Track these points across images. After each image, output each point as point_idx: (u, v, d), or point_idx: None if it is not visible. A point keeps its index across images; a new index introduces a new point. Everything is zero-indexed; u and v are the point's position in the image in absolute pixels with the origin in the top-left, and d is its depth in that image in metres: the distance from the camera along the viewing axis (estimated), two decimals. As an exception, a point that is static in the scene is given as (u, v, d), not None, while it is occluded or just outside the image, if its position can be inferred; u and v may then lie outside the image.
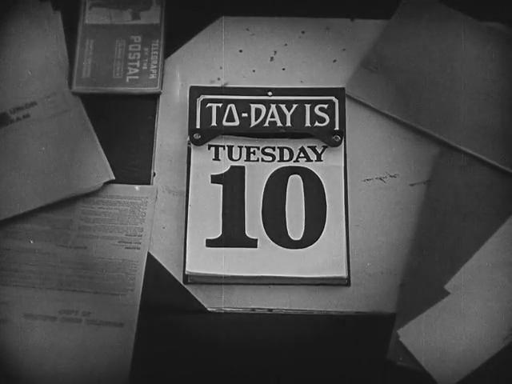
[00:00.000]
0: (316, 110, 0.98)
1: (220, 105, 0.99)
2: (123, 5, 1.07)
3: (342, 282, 0.92)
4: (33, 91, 1.03)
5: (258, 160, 0.97)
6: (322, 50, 1.05)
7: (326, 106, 0.99)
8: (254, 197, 0.95)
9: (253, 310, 0.92)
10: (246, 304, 0.92)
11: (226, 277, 0.92)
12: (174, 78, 1.03)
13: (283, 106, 0.99)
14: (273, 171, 0.96)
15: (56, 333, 0.91)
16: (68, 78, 1.03)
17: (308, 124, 0.98)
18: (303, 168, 0.96)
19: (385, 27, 1.05)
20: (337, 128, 0.98)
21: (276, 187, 0.95)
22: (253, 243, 0.93)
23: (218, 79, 1.03)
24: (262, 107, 0.99)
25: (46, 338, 0.91)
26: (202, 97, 0.99)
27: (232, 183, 0.95)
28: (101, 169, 0.98)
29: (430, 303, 0.90)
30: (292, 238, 0.93)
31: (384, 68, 1.02)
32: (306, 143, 0.97)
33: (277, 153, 0.97)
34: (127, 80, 1.03)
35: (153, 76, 1.03)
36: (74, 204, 0.97)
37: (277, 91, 1.00)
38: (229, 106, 0.99)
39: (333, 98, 0.99)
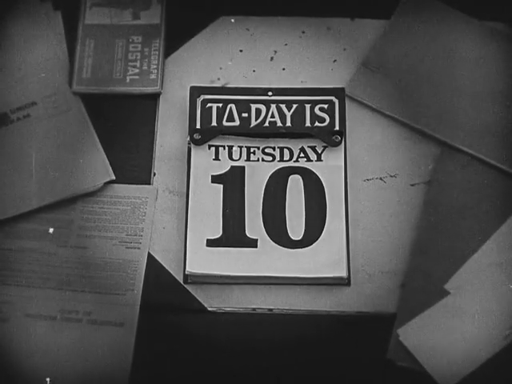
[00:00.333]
0: (316, 109, 0.98)
1: (220, 105, 0.99)
2: (123, 5, 1.07)
3: (342, 282, 0.92)
4: (33, 91, 1.03)
5: (258, 160, 0.97)
6: (322, 49, 1.05)
7: (326, 106, 0.99)
8: (254, 197, 0.95)
9: (253, 309, 0.92)
10: (247, 304, 0.92)
11: (226, 277, 0.92)
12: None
13: (283, 106, 0.99)
14: (273, 171, 0.96)
15: (56, 332, 0.91)
16: (68, 77, 1.03)
17: (308, 124, 0.98)
18: (303, 168, 0.96)
19: (385, 27, 1.05)
20: (337, 128, 0.98)
21: (276, 187, 0.95)
22: (253, 243, 0.93)
23: (218, 79, 1.03)
24: (262, 107, 0.99)
25: (47, 338, 0.91)
26: (202, 97, 0.99)
27: (232, 183, 0.95)
28: (101, 169, 0.98)
29: (430, 303, 0.90)
30: (292, 237, 0.93)
31: (384, 68, 1.02)
32: (306, 143, 0.97)
33: (277, 153, 0.97)
34: (127, 80, 1.03)
35: (153, 76, 1.03)
36: (74, 204, 0.97)
37: (277, 91, 1.00)
38: (229, 105, 0.99)
39: (333, 98, 0.99)
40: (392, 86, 1.01)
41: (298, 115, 0.98)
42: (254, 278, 0.92)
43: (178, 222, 0.95)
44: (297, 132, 0.97)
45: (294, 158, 0.96)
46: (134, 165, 1.00)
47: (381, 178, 0.98)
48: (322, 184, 0.95)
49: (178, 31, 1.06)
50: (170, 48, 1.05)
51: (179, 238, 0.94)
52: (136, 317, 0.91)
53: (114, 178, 0.98)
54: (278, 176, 0.96)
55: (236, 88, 1.01)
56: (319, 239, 0.93)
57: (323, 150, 0.97)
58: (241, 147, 0.97)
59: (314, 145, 0.97)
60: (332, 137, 0.97)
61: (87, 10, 1.07)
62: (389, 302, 0.92)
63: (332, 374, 0.90)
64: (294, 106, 0.99)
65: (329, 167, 0.96)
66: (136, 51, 1.04)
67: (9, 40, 1.06)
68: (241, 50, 1.05)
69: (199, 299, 0.92)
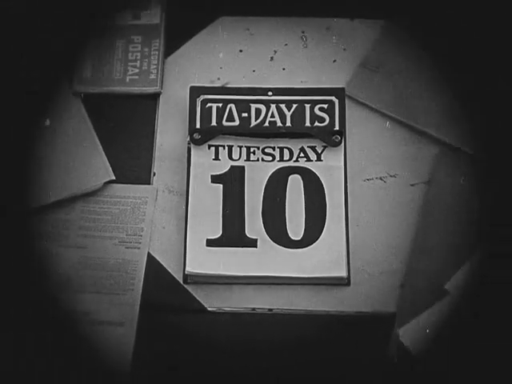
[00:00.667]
0: (316, 109, 0.98)
1: (220, 105, 0.99)
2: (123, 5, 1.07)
3: (342, 282, 0.92)
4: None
5: (258, 160, 0.97)
6: (322, 49, 1.05)
7: (325, 106, 0.99)
8: (254, 197, 0.95)
9: (253, 309, 0.92)
10: (246, 304, 0.92)
11: (226, 276, 0.92)
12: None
13: (283, 106, 0.99)
14: (273, 171, 0.96)
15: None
16: (68, 77, 1.03)
17: (308, 124, 0.98)
18: (303, 168, 0.96)
19: (385, 27, 1.05)
20: (337, 128, 0.98)
21: (276, 187, 0.95)
22: (253, 243, 0.93)
23: (218, 79, 1.03)
24: (262, 107, 0.99)
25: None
26: (202, 97, 0.99)
27: (232, 183, 0.95)
28: (101, 169, 0.98)
29: (430, 303, 0.90)
30: (292, 237, 0.93)
31: (383, 68, 1.02)
32: (306, 143, 0.97)
33: (277, 153, 0.97)
34: (127, 80, 1.03)
35: (153, 76, 1.03)
36: (74, 204, 0.97)
37: (277, 91, 1.00)
38: (229, 105, 0.99)
39: (333, 98, 0.99)
40: (392, 86, 1.01)
41: (298, 115, 0.98)
42: (253, 278, 0.92)
43: (178, 221, 0.96)
44: (297, 132, 0.97)
45: (294, 158, 0.97)
46: (133, 165, 1.00)
47: (380, 178, 0.98)
48: (321, 184, 0.95)
49: (178, 31, 1.06)
50: (170, 48, 1.05)
51: (179, 238, 0.94)
52: (136, 316, 0.91)
53: (113, 177, 0.98)
54: (278, 176, 0.96)
55: (236, 88, 1.01)
56: (319, 239, 0.93)
57: (323, 150, 0.97)
58: (241, 147, 0.97)
59: (313, 145, 0.97)
60: (332, 137, 0.97)
61: (87, 10, 1.07)
62: (388, 302, 0.92)
63: (332, 374, 0.90)
64: (294, 105, 0.99)
65: (329, 167, 0.96)
66: (136, 51, 1.04)
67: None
68: (241, 50, 1.05)
69: (199, 299, 0.92)
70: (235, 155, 0.97)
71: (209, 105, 0.99)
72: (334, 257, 0.92)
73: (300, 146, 0.97)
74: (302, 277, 0.92)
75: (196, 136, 0.97)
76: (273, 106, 0.99)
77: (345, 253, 0.92)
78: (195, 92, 1.00)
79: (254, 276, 0.92)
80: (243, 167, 0.96)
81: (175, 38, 1.06)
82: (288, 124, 0.98)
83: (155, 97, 1.03)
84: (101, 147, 0.99)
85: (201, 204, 0.95)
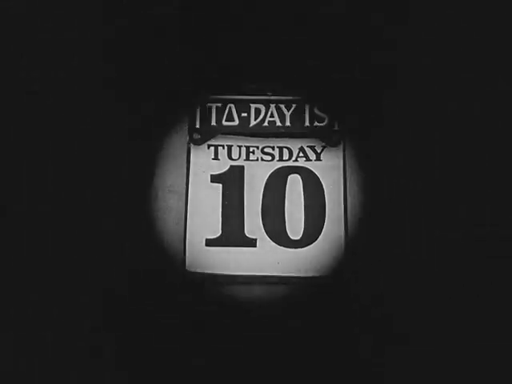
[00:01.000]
0: (315, 109, 0.98)
1: (220, 105, 0.99)
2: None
3: (340, 281, 0.92)
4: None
5: (257, 159, 0.97)
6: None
7: (325, 106, 0.98)
8: (253, 196, 0.95)
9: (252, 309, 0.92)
10: (246, 303, 0.92)
11: (225, 276, 0.92)
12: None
13: (283, 106, 0.99)
14: (272, 171, 0.96)
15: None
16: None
17: (307, 124, 0.98)
18: (302, 167, 0.96)
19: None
20: (336, 128, 0.98)
21: (275, 186, 0.95)
22: (252, 243, 0.93)
23: (218, 79, 1.03)
24: (262, 107, 0.99)
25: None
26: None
27: (231, 182, 0.96)
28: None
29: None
30: (291, 237, 0.93)
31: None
32: (305, 143, 0.97)
33: (276, 152, 0.97)
34: (127, 80, 1.03)
35: (152, 76, 1.03)
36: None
37: (277, 91, 1.00)
38: (228, 105, 0.99)
39: (332, 98, 0.99)
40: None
41: (298, 115, 0.98)
42: (253, 278, 0.92)
43: (178, 221, 0.96)
44: (296, 132, 0.97)
45: (294, 158, 0.97)
46: (134, 165, 1.00)
47: (380, 178, 0.98)
48: (321, 183, 0.95)
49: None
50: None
51: (179, 238, 0.95)
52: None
53: (113, 177, 0.98)
54: (278, 175, 0.96)
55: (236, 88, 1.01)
56: (318, 239, 0.93)
57: (322, 150, 0.97)
58: (240, 147, 0.97)
59: (313, 144, 0.97)
60: (331, 137, 0.97)
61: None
62: (387, 301, 0.92)
63: (332, 373, 0.90)
64: (294, 105, 0.99)
65: (328, 167, 0.96)
66: (136, 51, 1.05)
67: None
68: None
69: (199, 299, 0.93)
70: (235, 155, 0.97)
71: (208, 105, 0.99)
72: (333, 256, 0.92)
73: (299, 146, 0.97)
74: (301, 276, 0.92)
75: (196, 136, 0.97)
76: (272, 106, 0.99)
77: (344, 253, 0.92)
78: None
79: (253, 275, 0.92)
80: (243, 167, 0.96)
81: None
82: (287, 124, 0.98)
83: (155, 97, 1.03)
84: (101, 147, 1.00)
85: (200, 204, 0.95)
